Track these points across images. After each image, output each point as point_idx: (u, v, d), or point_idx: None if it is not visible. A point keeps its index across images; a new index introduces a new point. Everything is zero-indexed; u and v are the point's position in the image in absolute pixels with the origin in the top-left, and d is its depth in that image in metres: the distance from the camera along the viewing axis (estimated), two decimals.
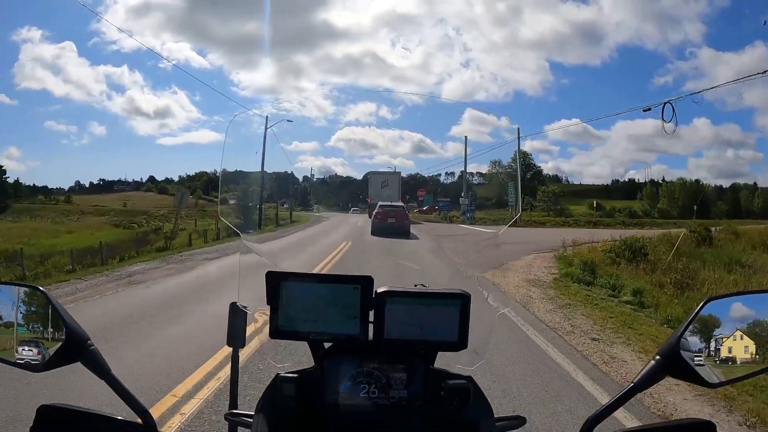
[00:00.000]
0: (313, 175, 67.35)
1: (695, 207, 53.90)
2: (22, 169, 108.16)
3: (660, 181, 71.80)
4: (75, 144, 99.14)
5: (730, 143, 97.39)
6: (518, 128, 43.88)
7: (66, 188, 74.47)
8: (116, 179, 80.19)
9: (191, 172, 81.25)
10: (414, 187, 54.70)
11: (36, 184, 71.71)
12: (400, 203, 31.23)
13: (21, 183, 68.65)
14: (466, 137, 42.49)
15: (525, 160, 72.82)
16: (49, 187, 72.08)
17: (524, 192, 47.36)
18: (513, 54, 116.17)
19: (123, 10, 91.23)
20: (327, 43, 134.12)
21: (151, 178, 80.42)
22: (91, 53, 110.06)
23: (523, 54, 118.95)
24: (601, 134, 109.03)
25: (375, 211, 27.32)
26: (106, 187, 78.65)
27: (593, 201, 63.57)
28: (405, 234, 23.64)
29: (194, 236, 27.96)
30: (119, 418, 1.17)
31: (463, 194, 43.07)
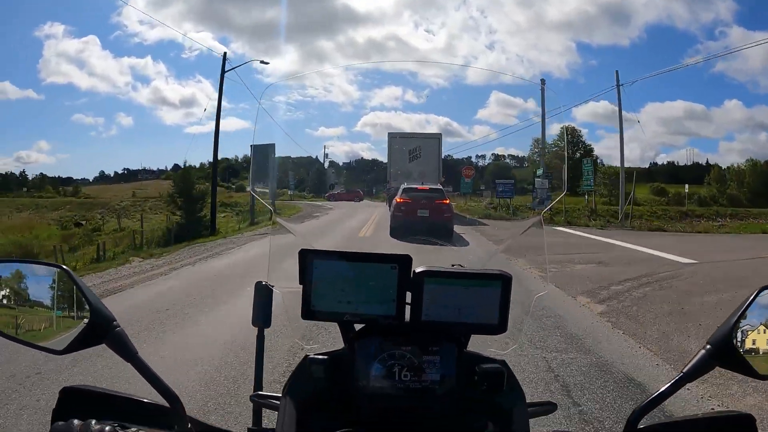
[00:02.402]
0: (327, 155, 64.37)
1: None
2: (52, 162, 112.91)
3: (703, 164, 66.52)
4: (103, 136, 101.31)
5: (763, 126, 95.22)
6: (617, 72, 28.52)
7: (91, 179, 75.99)
8: (140, 168, 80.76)
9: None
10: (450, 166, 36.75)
11: (60, 176, 71.85)
12: (438, 186, 19.20)
13: (26, 175, 70.45)
14: (543, 80, 27.39)
15: (573, 136, 57.75)
16: (74, 178, 72.29)
17: (575, 174, 35.60)
18: (539, 35, 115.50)
19: (144, 1, 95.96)
20: (349, 28, 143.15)
21: (176, 167, 77.60)
22: (114, 46, 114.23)
23: (549, 35, 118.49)
24: (631, 116, 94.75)
25: (398, 197, 16.60)
26: (129, 176, 78.72)
27: (658, 185, 54.73)
28: (446, 235, 14.58)
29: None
30: (145, 400, 1.15)
31: (539, 172, 26.68)
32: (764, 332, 1.13)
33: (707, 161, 68.36)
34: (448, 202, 16.69)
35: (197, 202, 27.97)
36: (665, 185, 53.82)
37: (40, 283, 1.16)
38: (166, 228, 25.62)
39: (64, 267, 1.14)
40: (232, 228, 25.91)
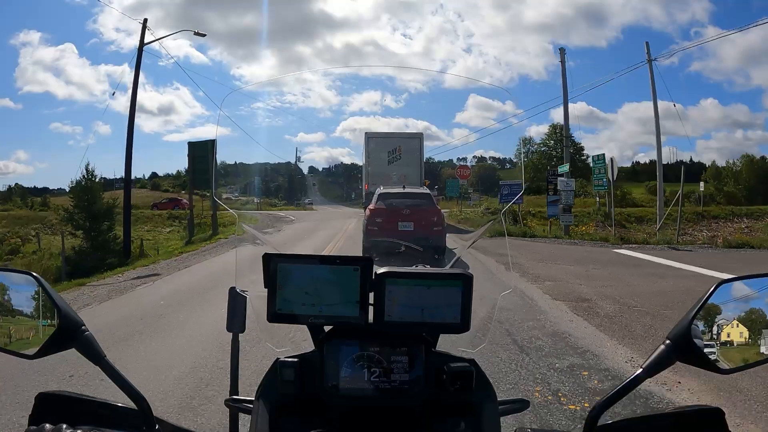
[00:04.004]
0: (299, 158, 56.06)
1: None
2: (30, 172, 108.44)
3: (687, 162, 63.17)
4: (81, 144, 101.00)
5: (738, 123, 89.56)
6: (647, 43, 26.69)
7: (67, 189, 67.27)
8: (118, 177, 78.13)
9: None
10: (427, 173, 33.07)
11: (37, 186, 71.67)
12: (424, 189, 14.60)
13: None
14: (562, 48, 24.20)
15: (562, 134, 52.64)
16: (50, 188, 71.95)
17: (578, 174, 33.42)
18: (516, 38, 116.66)
19: (120, 8, 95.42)
20: (326, 33, 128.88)
21: (154, 174, 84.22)
22: (90, 53, 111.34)
23: (526, 38, 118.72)
24: (608, 117, 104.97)
25: (372, 206, 12.32)
26: (106, 185, 70.40)
27: (653, 184, 43.42)
28: (436, 253, 8.94)
29: None
30: (118, 404, 1.18)
31: (562, 169, 20.81)
32: (722, 327, 1.16)
33: (690, 159, 69.47)
34: (438, 210, 12.53)
35: (102, 220, 22.19)
36: (671, 184, 51.89)
37: (9, 289, 1.19)
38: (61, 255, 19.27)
39: (33, 273, 1.18)
40: (171, 247, 19.60)
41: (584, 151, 57.19)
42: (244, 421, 1.37)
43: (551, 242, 18.92)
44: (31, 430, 0.97)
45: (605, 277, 11.30)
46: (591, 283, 10.28)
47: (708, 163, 59.54)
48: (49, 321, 1.13)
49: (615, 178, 20.87)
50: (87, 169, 23.13)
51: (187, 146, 24.17)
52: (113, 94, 26.65)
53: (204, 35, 22.17)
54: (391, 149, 24.90)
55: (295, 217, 25.48)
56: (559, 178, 22.70)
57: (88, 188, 22.82)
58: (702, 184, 37.69)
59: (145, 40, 19.69)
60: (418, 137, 26.51)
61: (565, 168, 24.02)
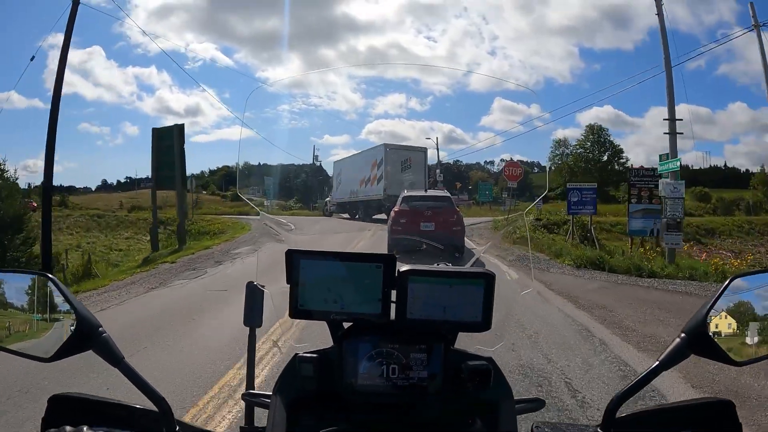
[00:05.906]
0: (317, 156, 58.19)
1: None
2: (59, 171, 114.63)
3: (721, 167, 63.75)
4: (110, 144, 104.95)
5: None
6: (751, 4, 18.59)
7: (93, 188, 75.38)
8: (142, 177, 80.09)
9: (215, 167, 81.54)
10: (457, 176, 42.93)
11: (63, 185, 70.41)
12: (445, 192, 16.06)
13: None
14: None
15: (600, 136, 47.93)
16: (76, 186, 72.32)
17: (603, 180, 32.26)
18: (541, 41, 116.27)
19: (145, 13, 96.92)
20: (350, 36, 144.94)
21: None
22: (118, 56, 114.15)
23: (551, 40, 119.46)
24: (635, 121, 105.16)
25: (396, 207, 13.20)
26: (132, 184, 75.90)
27: (701, 190, 45.91)
28: (455, 251, 10.31)
29: None
30: (134, 405, 1.16)
31: (666, 168, 13.87)
32: (736, 320, 1.17)
33: (725, 164, 67.90)
34: (457, 211, 13.12)
35: (13, 232, 16.66)
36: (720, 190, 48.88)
37: (25, 292, 1.18)
38: None
39: (49, 275, 1.16)
40: (126, 266, 14.58)
41: (623, 153, 52.24)
42: (260, 415, 1.38)
43: (691, 288, 10.42)
44: None
45: None
46: None
47: (741, 169, 58.02)
48: (64, 323, 1.12)
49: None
50: None
51: (158, 135, 18.77)
52: (32, 59, 23.31)
53: None
54: (403, 159, 28.36)
55: (294, 225, 20.26)
56: (661, 180, 14.95)
57: None
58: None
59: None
60: (423, 151, 30.71)
61: (673, 165, 15.12)
